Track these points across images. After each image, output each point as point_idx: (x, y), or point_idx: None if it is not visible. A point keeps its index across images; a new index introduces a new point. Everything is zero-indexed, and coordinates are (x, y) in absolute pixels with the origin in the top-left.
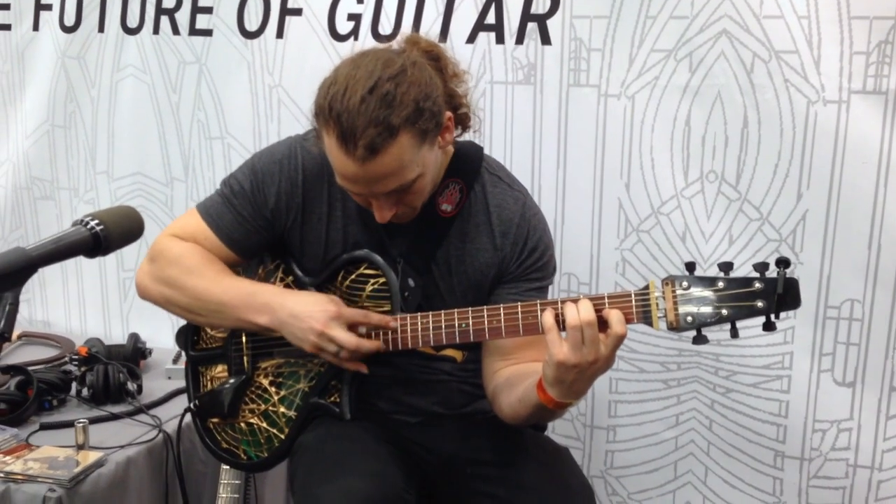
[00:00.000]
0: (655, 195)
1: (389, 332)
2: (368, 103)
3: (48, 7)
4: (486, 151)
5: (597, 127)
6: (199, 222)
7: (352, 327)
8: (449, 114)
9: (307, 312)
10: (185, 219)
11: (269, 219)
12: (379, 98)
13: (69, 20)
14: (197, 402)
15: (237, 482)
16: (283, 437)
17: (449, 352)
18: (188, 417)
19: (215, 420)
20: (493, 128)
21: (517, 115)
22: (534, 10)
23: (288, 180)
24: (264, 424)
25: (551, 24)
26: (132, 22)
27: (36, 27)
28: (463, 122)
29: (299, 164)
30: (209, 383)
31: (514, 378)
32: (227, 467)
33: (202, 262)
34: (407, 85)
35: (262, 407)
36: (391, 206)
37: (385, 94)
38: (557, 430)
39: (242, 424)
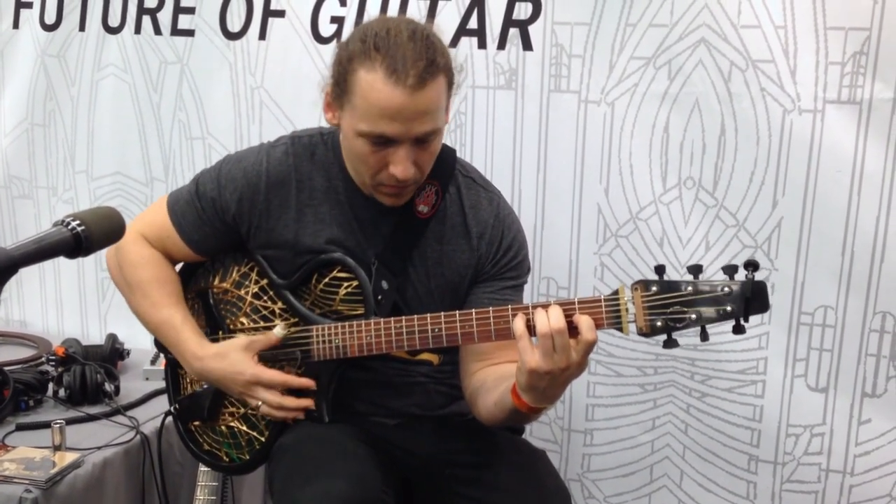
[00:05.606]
0: (634, 201)
1: (363, 337)
2: (415, 41)
3: (28, 5)
4: (468, 156)
5: (577, 133)
6: (164, 219)
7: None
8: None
9: (228, 379)
10: (155, 212)
11: (231, 224)
12: (422, 39)
13: (50, 18)
14: (177, 405)
15: (214, 484)
16: (263, 439)
17: (425, 356)
18: (168, 420)
19: (196, 423)
20: (475, 132)
21: (498, 120)
22: (515, 15)
23: (249, 186)
24: (244, 427)
25: (533, 29)
26: (113, 21)
27: (16, 25)
28: None
29: (263, 169)
30: (189, 386)
31: (491, 381)
32: (205, 469)
33: (151, 279)
34: (437, 38)
35: (242, 410)
36: (412, 158)
37: (427, 36)
38: (535, 433)
39: (223, 427)
